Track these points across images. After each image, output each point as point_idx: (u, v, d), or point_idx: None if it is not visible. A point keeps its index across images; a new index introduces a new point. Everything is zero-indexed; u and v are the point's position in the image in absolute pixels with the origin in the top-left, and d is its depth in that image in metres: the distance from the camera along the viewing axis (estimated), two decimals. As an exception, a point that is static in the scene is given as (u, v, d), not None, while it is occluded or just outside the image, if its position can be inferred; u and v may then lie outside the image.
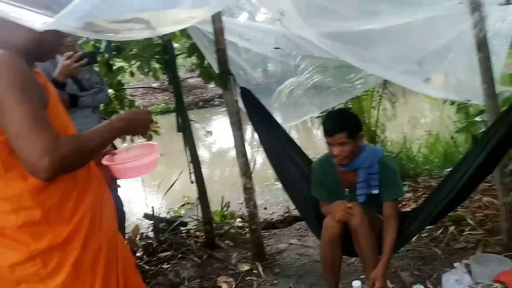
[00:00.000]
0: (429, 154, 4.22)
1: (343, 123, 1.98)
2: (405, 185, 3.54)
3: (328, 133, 2.00)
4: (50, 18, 0.89)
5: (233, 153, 2.66)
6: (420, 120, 5.22)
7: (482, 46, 2.09)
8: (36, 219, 1.15)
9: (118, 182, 1.51)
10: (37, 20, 0.91)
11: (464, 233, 2.70)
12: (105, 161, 1.39)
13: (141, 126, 1.28)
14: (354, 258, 2.45)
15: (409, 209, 2.91)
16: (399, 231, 2.04)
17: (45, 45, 1.16)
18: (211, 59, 2.75)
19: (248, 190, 2.64)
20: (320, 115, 3.75)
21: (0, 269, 1.15)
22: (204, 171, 3.04)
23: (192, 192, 4.20)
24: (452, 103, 3.86)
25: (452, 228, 2.75)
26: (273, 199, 4.29)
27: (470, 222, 2.79)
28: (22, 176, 1.13)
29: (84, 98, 2.30)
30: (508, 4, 1.82)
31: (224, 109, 2.55)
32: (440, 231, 2.77)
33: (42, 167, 1.00)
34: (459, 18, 2.11)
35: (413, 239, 2.71)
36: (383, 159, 2.08)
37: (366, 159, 2.04)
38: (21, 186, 1.13)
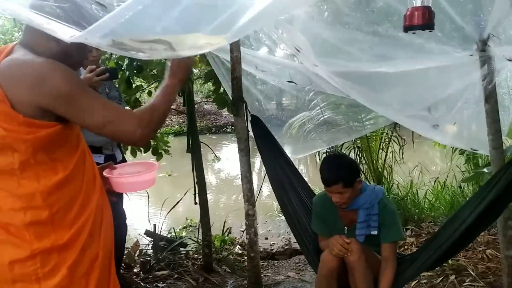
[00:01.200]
0: (435, 201, 4.19)
1: (338, 174, 1.99)
2: (408, 229, 3.52)
3: (324, 183, 2.03)
4: (78, 32, 0.98)
5: (240, 180, 2.69)
6: (429, 167, 5.20)
7: (490, 98, 2.13)
8: (42, 219, 1.20)
9: (115, 196, 1.56)
10: (67, 33, 1.00)
11: (465, 284, 2.65)
12: (105, 173, 1.46)
13: (186, 70, 1.40)
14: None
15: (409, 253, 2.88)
16: (396, 274, 2.03)
17: (70, 58, 1.26)
18: (227, 86, 2.84)
19: (250, 217, 2.65)
20: (329, 150, 3.80)
21: None
22: (210, 196, 3.08)
23: (195, 215, 4.22)
24: (462, 152, 3.87)
25: (452, 277, 2.71)
26: (275, 230, 4.28)
27: (472, 273, 2.74)
28: (36, 177, 1.19)
29: (101, 112, 2.39)
30: (518, 60, 1.87)
31: (235, 137, 2.62)
32: (440, 279, 2.72)
33: (138, 137, 1.22)
34: (469, 69, 2.16)
35: (412, 284, 2.67)
36: (384, 200, 2.09)
37: (366, 199, 2.06)
38: (34, 186, 1.19)
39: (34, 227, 1.20)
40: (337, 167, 2.03)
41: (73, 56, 1.26)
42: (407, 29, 1.58)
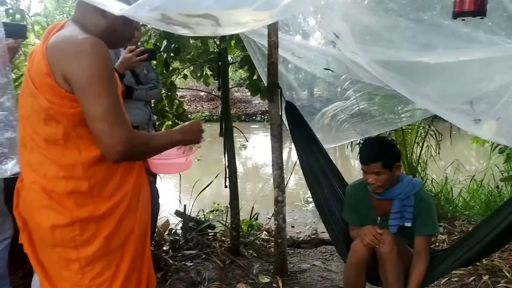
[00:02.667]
0: (470, 199, 4.05)
1: (379, 152, 1.97)
2: (441, 226, 3.42)
3: (363, 161, 2.00)
4: (127, 6, 0.99)
5: (266, 169, 2.69)
6: (465, 165, 5.03)
7: (540, 92, 2.03)
8: (82, 189, 1.24)
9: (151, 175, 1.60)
10: (116, 6, 1.01)
11: (499, 285, 2.56)
12: None
13: (196, 136, 1.42)
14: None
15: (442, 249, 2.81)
16: (428, 269, 1.99)
17: (116, 34, 1.28)
18: (262, 72, 2.83)
19: (279, 203, 2.66)
20: (361, 142, 3.72)
21: (41, 229, 1.26)
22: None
23: (222, 199, 4.27)
24: (502, 151, 3.71)
25: (486, 277, 2.63)
26: (302, 219, 4.28)
27: (507, 274, 2.64)
28: (77, 149, 1.24)
29: (139, 92, 2.43)
30: None
31: (264, 125, 2.62)
32: (472, 278, 2.64)
33: (116, 152, 1.15)
34: (518, 62, 2.05)
35: (443, 281, 2.61)
36: (420, 193, 2.04)
37: (402, 190, 2.02)
38: (75, 157, 1.23)
39: (75, 196, 1.24)
40: (378, 146, 2.02)
41: (119, 32, 1.28)
42: (456, 15, 1.52)
